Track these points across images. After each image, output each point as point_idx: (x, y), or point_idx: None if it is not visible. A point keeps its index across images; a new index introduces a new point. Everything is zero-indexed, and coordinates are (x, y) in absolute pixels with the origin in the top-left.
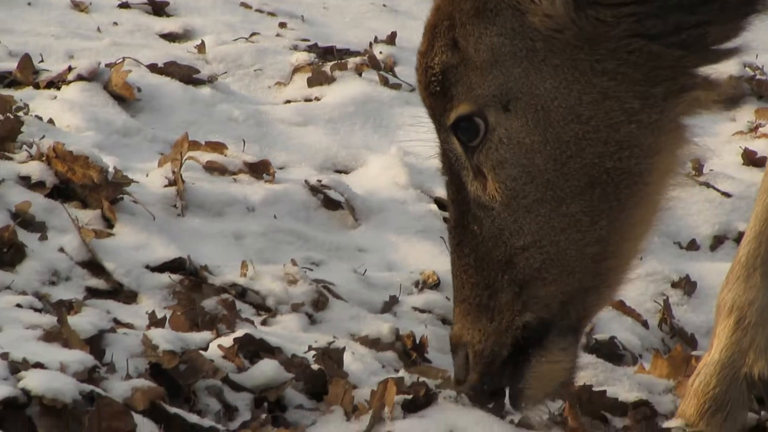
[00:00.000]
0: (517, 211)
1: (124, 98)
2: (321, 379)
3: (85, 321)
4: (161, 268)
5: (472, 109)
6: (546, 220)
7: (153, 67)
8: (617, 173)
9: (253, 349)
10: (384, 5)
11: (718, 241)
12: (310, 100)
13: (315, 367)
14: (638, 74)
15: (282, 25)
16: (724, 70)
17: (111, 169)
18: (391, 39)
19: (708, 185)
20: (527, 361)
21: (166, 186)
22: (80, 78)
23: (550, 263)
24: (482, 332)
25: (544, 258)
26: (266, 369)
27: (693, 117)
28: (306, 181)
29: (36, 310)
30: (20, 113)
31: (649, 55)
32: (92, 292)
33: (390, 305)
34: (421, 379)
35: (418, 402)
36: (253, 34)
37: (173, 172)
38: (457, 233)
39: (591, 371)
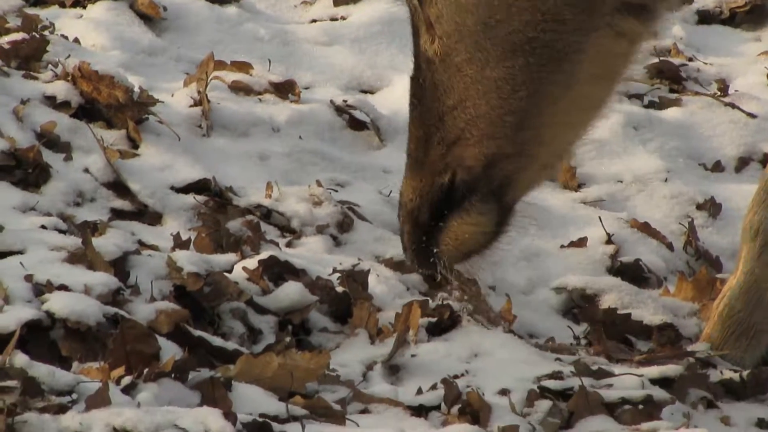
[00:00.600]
0: (450, 68)
1: (150, 17)
2: (345, 301)
3: (109, 243)
4: (186, 189)
5: None
6: (471, 81)
7: None
8: (539, 45)
9: (277, 271)
10: None
11: (743, 163)
12: (336, 20)
13: (339, 289)
14: None
15: None
16: None
17: (136, 89)
18: None
19: (733, 106)
20: (446, 220)
21: (191, 106)
22: None
23: (472, 124)
24: (413, 189)
25: (467, 118)
26: (291, 291)
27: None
28: (331, 102)
29: (60, 231)
30: (46, 32)
31: None
32: (117, 214)
33: None
34: (446, 301)
35: (442, 325)
36: None
37: (198, 92)
38: (412, 86)
39: (616, 294)
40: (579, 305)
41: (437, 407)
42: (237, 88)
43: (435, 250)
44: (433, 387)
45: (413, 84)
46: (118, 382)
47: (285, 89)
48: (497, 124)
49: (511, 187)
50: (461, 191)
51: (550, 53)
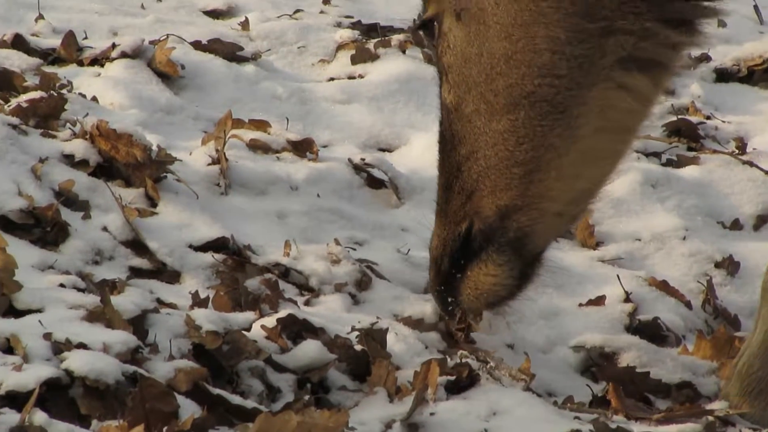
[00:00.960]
0: (462, 119)
1: (168, 75)
2: (364, 359)
3: (128, 301)
4: (204, 247)
5: (432, 14)
6: (480, 133)
7: (197, 44)
8: (537, 99)
9: (296, 329)
10: None
11: (761, 221)
12: (354, 78)
13: (358, 347)
14: (573, 6)
15: (326, 1)
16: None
17: (154, 148)
18: None
19: (751, 164)
20: (465, 270)
21: (209, 164)
22: (124, 55)
23: (485, 175)
24: (438, 237)
25: (480, 169)
26: (309, 350)
27: (649, 74)
28: (349, 160)
29: (79, 289)
30: (64, 91)
31: None
32: (135, 272)
33: None
34: (464, 360)
35: (461, 383)
36: (297, 11)
37: (216, 151)
38: (439, 134)
39: (634, 352)
40: (597, 363)
41: None
42: (255, 146)
43: (456, 299)
44: None
45: (440, 132)
46: None
47: (303, 147)
48: (506, 176)
49: (528, 238)
50: (478, 241)
51: (549, 107)
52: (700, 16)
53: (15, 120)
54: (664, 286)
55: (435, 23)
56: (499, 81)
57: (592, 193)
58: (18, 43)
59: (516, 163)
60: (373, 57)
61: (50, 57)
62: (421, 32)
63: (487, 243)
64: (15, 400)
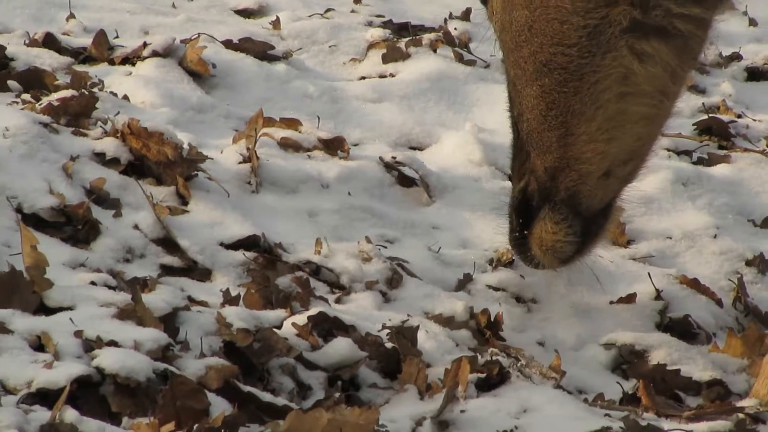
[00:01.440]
0: (509, 81)
1: (199, 74)
2: (395, 357)
3: (159, 299)
4: (235, 245)
5: None
6: (522, 96)
7: (228, 43)
8: (555, 67)
9: (327, 327)
10: None
11: None
12: (385, 77)
13: (389, 345)
14: None
15: (357, 0)
16: None
17: (186, 146)
18: (466, 15)
19: None
20: (530, 227)
21: (240, 163)
22: (155, 54)
23: (531, 137)
24: (513, 191)
25: (528, 130)
26: (340, 347)
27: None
28: (380, 158)
29: (110, 287)
30: (95, 89)
31: None
32: (166, 270)
33: (464, 283)
34: (495, 357)
35: (491, 381)
36: (328, 10)
37: (248, 149)
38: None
39: (665, 350)
40: (628, 361)
41: None
42: (286, 144)
43: (528, 254)
44: None
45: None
46: None
47: (334, 146)
48: (545, 139)
49: (579, 197)
50: (536, 199)
51: (567, 74)
52: None
53: (46, 118)
54: (694, 284)
55: None
56: (524, 48)
57: (634, 153)
58: (49, 42)
59: (549, 127)
60: (404, 56)
61: (81, 56)
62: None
63: (543, 201)
64: (46, 397)
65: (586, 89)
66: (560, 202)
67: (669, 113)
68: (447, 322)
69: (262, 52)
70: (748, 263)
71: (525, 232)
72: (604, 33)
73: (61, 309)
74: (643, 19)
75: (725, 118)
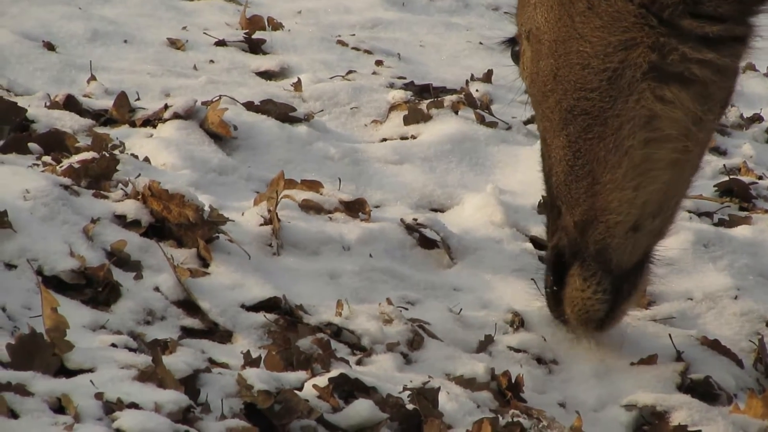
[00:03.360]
0: (540, 137)
1: (220, 136)
2: (416, 419)
3: (179, 361)
4: (256, 307)
5: (515, 34)
6: (551, 149)
7: (249, 105)
8: (578, 113)
9: (348, 388)
10: (480, 43)
11: None
12: (406, 138)
13: (410, 407)
14: (598, 20)
15: (378, 62)
16: None
17: (207, 208)
18: (488, 77)
19: None
20: (563, 286)
21: (261, 225)
22: (176, 116)
23: (560, 191)
24: (548, 249)
25: (557, 185)
26: (361, 409)
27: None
28: (402, 220)
29: (131, 349)
30: (116, 151)
31: (614, 6)
32: (187, 332)
33: (485, 345)
34: (516, 419)
35: None
36: (350, 72)
37: (269, 211)
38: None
39: (686, 411)
40: (649, 422)
41: None
42: (307, 206)
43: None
44: None
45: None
46: None
47: (355, 208)
48: (574, 191)
49: (608, 252)
50: (567, 256)
51: (590, 119)
52: (716, 34)
53: (67, 180)
54: (715, 345)
55: (516, 48)
56: (551, 98)
57: (662, 204)
58: (70, 104)
59: (576, 177)
60: (426, 117)
61: (102, 118)
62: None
63: (573, 258)
64: None
65: (610, 135)
66: (589, 258)
67: (696, 162)
68: (468, 383)
69: (283, 113)
70: None
71: (558, 290)
72: (624, 77)
73: (81, 371)
74: (661, 63)
75: (746, 179)
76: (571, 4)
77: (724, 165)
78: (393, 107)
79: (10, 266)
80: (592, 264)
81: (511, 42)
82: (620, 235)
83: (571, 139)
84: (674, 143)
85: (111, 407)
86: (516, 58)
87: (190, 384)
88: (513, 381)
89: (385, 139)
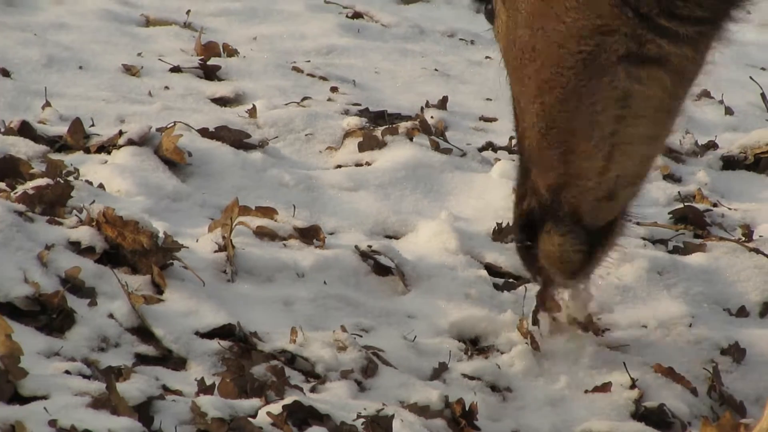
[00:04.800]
0: (512, 98)
1: (175, 163)
2: None
3: (133, 388)
4: (210, 334)
5: None
6: (525, 113)
7: (204, 132)
8: (554, 86)
9: (301, 416)
10: (435, 69)
11: (767, 308)
12: (361, 165)
13: None
14: (572, 2)
15: (333, 89)
16: None
17: (161, 235)
18: (443, 103)
19: (757, 251)
20: (536, 242)
21: (216, 251)
22: (131, 142)
23: (531, 154)
24: (515, 207)
25: (530, 147)
26: None
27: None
28: (356, 247)
29: (85, 376)
30: (70, 178)
31: None
32: (141, 359)
33: (439, 372)
34: None
35: None
36: (305, 98)
37: (223, 238)
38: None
39: None
40: None
41: None
42: (262, 233)
43: (538, 269)
44: None
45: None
46: None
47: (310, 234)
48: (546, 156)
49: (581, 214)
50: (538, 215)
51: (566, 94)
52: (691, 34)
53: (21, 207)
54: (670, 373)
55: (490, 5)
56: (529, 67)
57: (635, 172)
58: (25, 130)
59: (549, 144)
60: (381, 144)
61: (57, 144)
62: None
63: (546, 216)
64: None
65: (584, 109)
66: (563, 216)
67: (669, 130)
68: (422, 411)
69: (238, 140)
70: (723, 352)
71: (531, 247)
72: (599, 58)
73: (35, 398)
74: (638, 50)
75: (701, 206)
76: None
77: (679, 192)
78: (348, 134)
79: None
80: (566, 220)
81: (486, 3)
82: (592, 201)
83: (545, 108)
84: (647, 119)
85: None
86: (490, 16)
87: (143, 411)
88: (467, 409)
89: (339, 166)
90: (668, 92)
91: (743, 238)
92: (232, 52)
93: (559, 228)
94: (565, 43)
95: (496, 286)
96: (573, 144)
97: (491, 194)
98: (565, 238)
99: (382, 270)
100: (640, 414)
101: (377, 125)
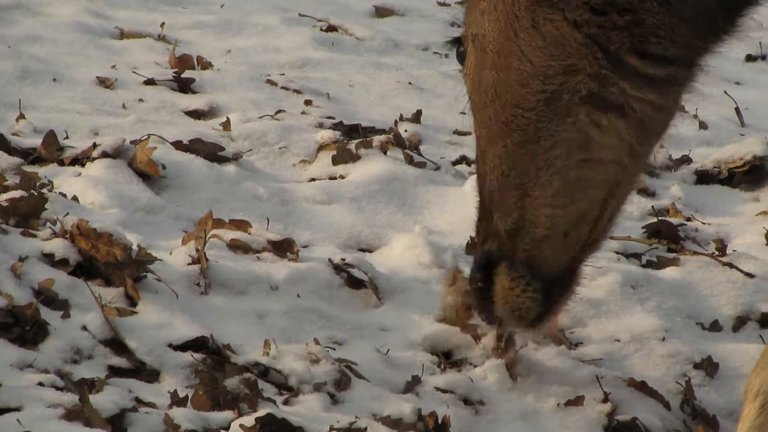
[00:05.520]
0: (476, 141)
1: (149, 175)
2: None
3: (107, 400)
4: (184, 346)
5: (461, 34)
6: (484, 155)
7: (178, 144)
8: (514, 129)
9: (275, 428)
10: (409, 83)
11: (740, 322)
12: (335, 178)
13: None
14: (541, 41)
15: (307, 102)
16: None
17: (135, 247)
18: (417, 117)
19: (731, 266)
20: (493, 286)
21: (189, 264)
22: (105, 155)
23: (492, 198)
24: (475, 249)
25: (490, 191)
26: None
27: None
28: (330, 260)
29: (58, 388)
30: (44, 190)
31: (560, 30)
32: (114, 371)
33: (412, 385)
34: None
35: None
36: (279, 111)
37: (197, 250)
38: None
39: None
40: None
41: None
42: (235, 246)
43: (493, 314)
44: None
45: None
46: None
47: (283, 247)
48: (504, 200)
49: (537, 262)
50: (495, 258)
51: (525, 136)
52: (659, 76)
53: None
54: (642, 387)
55: (461, 48)
56: (490, 108)
57: (593, 217)
58: None
59: (509, 188)
60: (354, 157)
61: (31, 156)
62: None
63: (502, 259)
64: None
65: (543, 153)
66: (518, 262)
67: (631, 180)
68: (395, 424)
69: (212, 153)
70: (696, 366)
71: (487, 289)
72: (561, 99)
73: (8, 410)
74: (600, 92)
75: (674, 221)
76: (516, 19)
77: (653, 206)
78: (322, 147)
79: None
80: (520, 267)
81: (457, 42)
82: (547, 248)
83: (506, 150)
84: (606, 167)
85: None
86: (461, 58)
87: (116, 423)
88: (440, 422)
89: (313, 179)
90: (627, 144)
91: (717, 253)
92: (206, 65)
93: (511, 272)
94: (530, 83)
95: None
96: (530, 188)
97: (465, 208)
98: (516, 283)
99: (355, 283)
100: (613, 428)
101: (351, 138)
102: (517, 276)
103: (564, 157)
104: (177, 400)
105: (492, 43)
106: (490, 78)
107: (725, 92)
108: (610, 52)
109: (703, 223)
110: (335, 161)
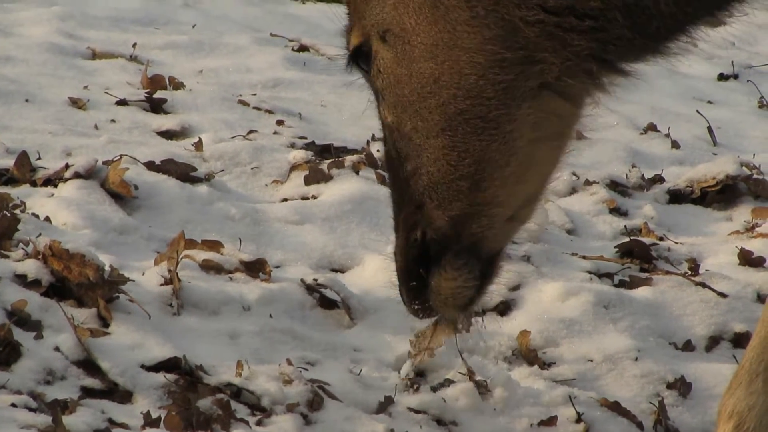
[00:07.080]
0: (403, 137)
1: (121, 196)
2: None
3: (80, 421)
4: (156, 367)
5: (358, 42)
6: (422, 149)
7: (150, 165)
8: (471, 117)
9: None
10: None
11: (713, 342)
12: (307, 198)
13: None
14: (492, 32)
15: (280, 122)
16: None
17: (107, 268)
18: None
19: (704, 285)
20: (428, 279)
21: (162, 285)
22: (77, 175)
23: (431, 189)
24: (398, 249)
25: (426, 184)
26: None
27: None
28: (302, 280)
29: (31, 409)
30: (17, 211)
31: (510, 22)
32: (87, 392)
33: (385, 405)
34: None
35: None
36: (251, 131)
37: (169, 271)
38: (384, 154)
39: None
40: None
41: None
42: (208, 266)
43: (427, 307)
44: None
45: (384, 151)
46: None
47: (256, 268)
48: (453, 188)
49: (482, 243)
50: (434, 249)
51: (484, 123)
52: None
53: None
54: (615, 407)
55: (364, 50)
56: (431, 100)
57: (537, 195)
58: None
59: (461, 176)
60: (327, 177)
61: (3, 177)
62: (354, 63)
63: (443, 250)
64: None
65: (502, 136)
66: (462, 250)
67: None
68: None
69: (184, 173)
70: (669, 386)
71: (422, 283)
72: (520, 87)
73: None
74: (559, 79)
75: (647, 240)
76: (447, 12)
77: (625, 226)
78: (294, 167)
79: None
80: (463, 254)
81: (357, 54)
82: (498, 226)
83: (456, 140)
84: (559, 141)
85: None
86: (366, 60)
87: None
88: None
89: (285, 199)
90: (575, 117)
91: (689, 272)
92: (178, 86)
93: (455, 262)
94: (486, 74)
95: None
96: (488, 172)
97: None
98: (459, 272)
99: (328, 303)
100: None
101: (323, 159)
102: (461, 264)
103: (520, 138)
104: (150, 421)
105: (420, 35)
106: (428, 69)
107: (697, 111)
108: (569, 52)
109: (676, 243)
110: (307, 181)
